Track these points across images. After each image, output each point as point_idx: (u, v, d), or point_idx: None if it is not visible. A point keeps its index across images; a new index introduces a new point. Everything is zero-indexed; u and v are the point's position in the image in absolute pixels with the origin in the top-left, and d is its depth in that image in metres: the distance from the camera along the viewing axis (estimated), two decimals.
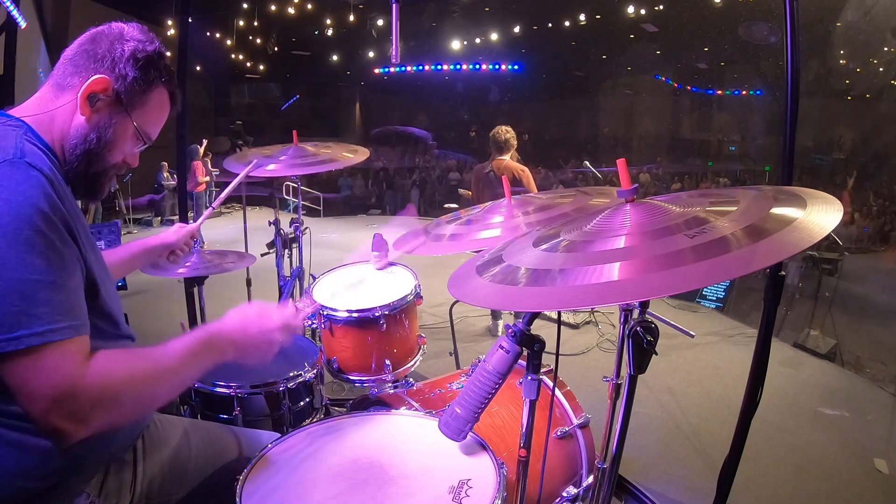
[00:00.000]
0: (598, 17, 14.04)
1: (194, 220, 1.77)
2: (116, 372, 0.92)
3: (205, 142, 10.44)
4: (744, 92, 16.84)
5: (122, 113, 1.08)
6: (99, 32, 1.08)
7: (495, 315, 4.56)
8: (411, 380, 2.02)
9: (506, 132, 4.11)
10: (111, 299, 1.12)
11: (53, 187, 0.94)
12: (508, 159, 4.12)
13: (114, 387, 0.91)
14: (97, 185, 1.12)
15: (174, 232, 1.64)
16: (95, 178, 1.11)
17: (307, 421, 1.74)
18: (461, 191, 4.85)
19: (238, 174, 1.96)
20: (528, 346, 1.09)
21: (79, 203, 1.11)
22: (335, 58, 16.64)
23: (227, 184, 1.93)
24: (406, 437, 1.32)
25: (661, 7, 13.14)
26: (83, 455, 1.06)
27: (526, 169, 4.11)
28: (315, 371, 1.83)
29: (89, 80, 1.04)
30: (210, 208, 1.96)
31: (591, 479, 1.67)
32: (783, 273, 1.74)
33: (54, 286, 0.90)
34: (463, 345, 4.08)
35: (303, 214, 2.80)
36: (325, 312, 1.98)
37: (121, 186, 10.39)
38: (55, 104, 1.06)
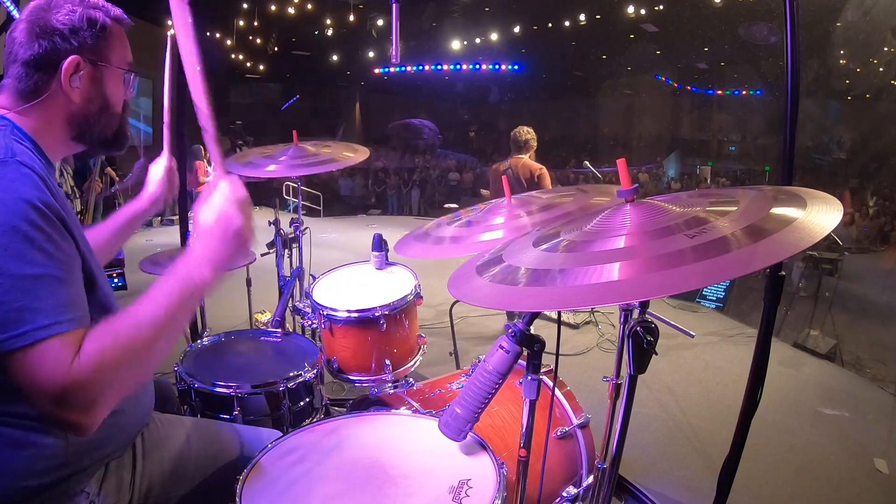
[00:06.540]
0: (598, 17, 14.07)
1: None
2: (107, 347, 0.89)
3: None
4: (744, 92, 16.89)
5: (102, 68, 1.11)
6: (30, 23, 1.04)
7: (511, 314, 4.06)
8: (411, 380, 2.02)
9: (527, 132, 4.33)
10: (106, 293, 1.12)
11: (45, 184, 0.95)
12: (527, 158, 4.30)
13: (110, 363, 0.89)
14: (121, 136, 1.20)
15: (154, 182, 1.56)
16: (118, 132, 1.19)
17: (307, 421, 1.75)
18: (482, 191, 5.00)
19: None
20: (528, 346, 1.09)
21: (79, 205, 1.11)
22: (335, 58, 16.66)
23: None
24: (406, 437, 1.32)
25: (661, 7, 13.16)
26: (83, 454, 1.07)
27: (543, 168, 4.27)
28: (315, 371, 1.83)
29: (62, 70, 1.05)
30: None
31: (591, 479, 1.67)
32: (783, 273, 1.74)
33: (56, 280, 0.90)
34: (463, 345, 4.08)
35: (303, 214, 2.80)
36: (325, 312, 1.98)
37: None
38: (31, 101, 1.06)
